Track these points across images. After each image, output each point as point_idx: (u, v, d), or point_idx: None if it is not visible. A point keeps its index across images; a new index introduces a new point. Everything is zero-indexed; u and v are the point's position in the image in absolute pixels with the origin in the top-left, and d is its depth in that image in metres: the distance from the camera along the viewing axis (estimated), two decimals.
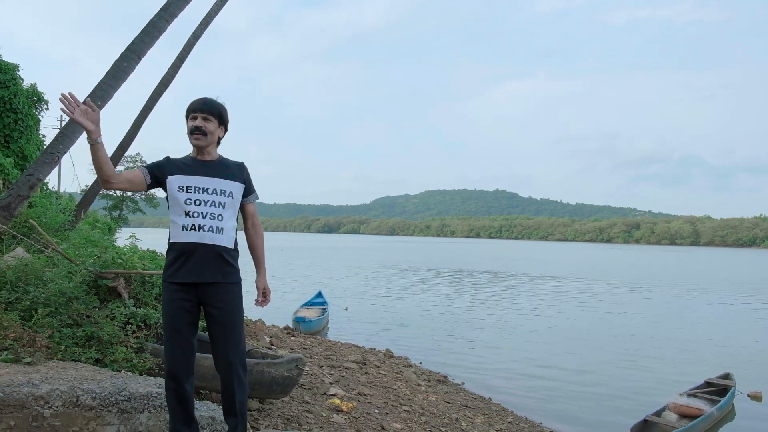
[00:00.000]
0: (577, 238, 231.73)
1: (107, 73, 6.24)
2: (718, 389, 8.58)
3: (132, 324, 4.48)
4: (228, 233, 2.83)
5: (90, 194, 11.05)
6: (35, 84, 13.92)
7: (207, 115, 2.84)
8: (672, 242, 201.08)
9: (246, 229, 3.07)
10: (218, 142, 2.95)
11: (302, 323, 12.17)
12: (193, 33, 10.31)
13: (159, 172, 2.83)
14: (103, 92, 6.15)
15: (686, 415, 7.36)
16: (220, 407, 3.53)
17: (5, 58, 12.52)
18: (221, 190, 2.83)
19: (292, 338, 9.79)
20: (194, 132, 2.81)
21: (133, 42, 6.33)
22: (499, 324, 15.28)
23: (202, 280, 2.75)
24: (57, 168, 21.17)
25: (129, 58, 6.28)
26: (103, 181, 2.73)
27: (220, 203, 2.81)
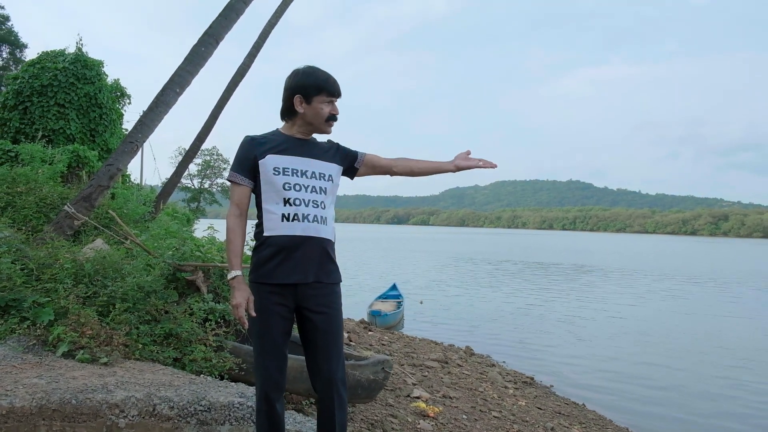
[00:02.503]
0: (657, 231, 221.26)
1: (185, 58, 6.07)
2: None
3: (211, 320, 4.24)
4: (330, 223, 2.42)
5: (169, 186, 11.15)
6: (119, 80, 14.28)
7: (337, 99, 2.47)
8: (765, 235, 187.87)
9: (393, 168, 2.62)
10: None
11: (378, 317, 11.85)
12: (269, 21, 10.17)
13: (251, 165, 2.39)
14: (181, 78, 5.98)
15: None
16: (304, 417, 3.19)
17: (91, 55, 12.89)
18: (320, 174, 2.41)
19: (369, 333, 9.47)
20: (333, 120, 2.44)
21: (210, 26, 6.11)
22: (584, 321, 14.39)
23: (304, 281, 2.32)
24: (139, 161, 22.00)
25: (207, 42, 6.06)
26: None
27: (321, 188, 2.39)
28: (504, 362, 9.72)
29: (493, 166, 2.48)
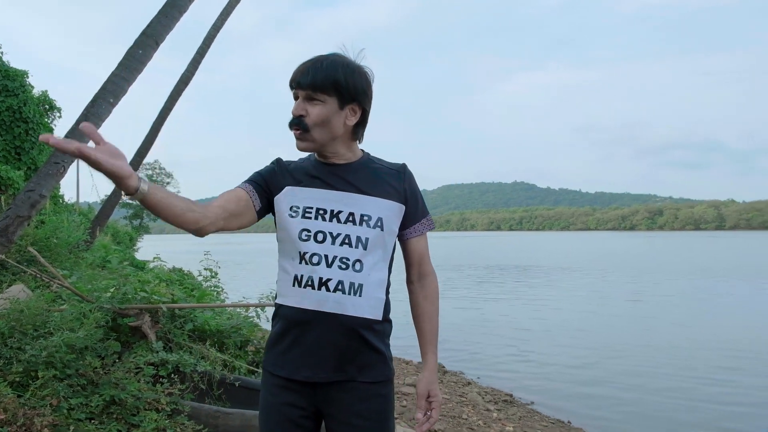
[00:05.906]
0: (599, 227, 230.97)
1: (119, 63, 5.15)
2: None
3: (163, 377, 3.51)
4: (372, 293, 1.60)
5: (108, 207, 10.20)
6: (46, 91, 13.14)
7: (312, 92, 1.55)
8: (696, 227, 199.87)
9: (409, 284, 1.81)
10: (356, 134, 1.66)
11: None
12: (213, 25, 9.44)
13: (270, 185, 1.63)
14: (115, 87, 5.04)
15: None
16: None
17: (14, 65, 11.76)
18: (361, 216, 1.60)
19: None
20: (291, 126, 1.58)
21: (149, 25, 5.24)
22: (545, 324, 14.10)
23: (321, 379, 1.57)
24: (74, 177, 20.46)
25: (145, 44, 5.14)
26: (192, 231, 1.47)
27: (358, 239, 1.58)
28: (478, 378, 9.23)
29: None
